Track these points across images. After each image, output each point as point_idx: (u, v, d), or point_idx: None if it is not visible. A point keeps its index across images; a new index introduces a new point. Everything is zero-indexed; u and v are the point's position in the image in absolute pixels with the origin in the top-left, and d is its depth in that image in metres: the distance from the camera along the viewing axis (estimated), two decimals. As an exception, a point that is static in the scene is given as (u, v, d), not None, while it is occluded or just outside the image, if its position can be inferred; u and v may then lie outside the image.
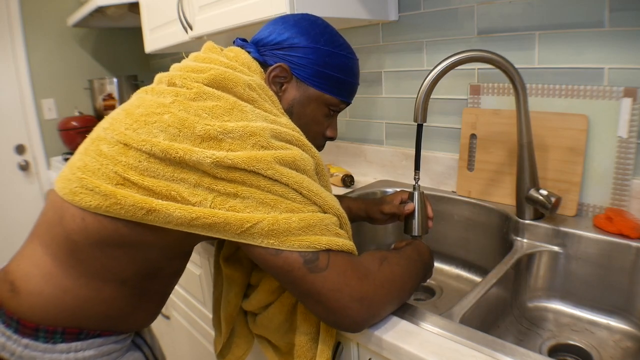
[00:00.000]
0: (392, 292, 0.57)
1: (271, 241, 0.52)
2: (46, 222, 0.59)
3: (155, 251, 0.59)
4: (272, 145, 0.54)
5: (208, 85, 0.58)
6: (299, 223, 0.52)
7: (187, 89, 0.58)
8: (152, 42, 1.64)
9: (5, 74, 2.09)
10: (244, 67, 0.64)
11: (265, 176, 0.52)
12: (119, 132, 0.56)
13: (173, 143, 0.52)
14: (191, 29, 1.29)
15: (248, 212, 0.52)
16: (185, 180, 0.52)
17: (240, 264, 0.75)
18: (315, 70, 0.66)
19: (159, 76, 0.65)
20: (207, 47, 0.68)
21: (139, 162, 0.53)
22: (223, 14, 1.13)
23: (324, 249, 0.54)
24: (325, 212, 0.57)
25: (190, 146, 0.52)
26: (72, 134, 2.11)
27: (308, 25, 0.67)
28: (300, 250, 0.52)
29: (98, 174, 0.54)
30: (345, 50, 0.69)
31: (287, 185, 0.53)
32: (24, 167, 2.20)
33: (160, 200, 0.52)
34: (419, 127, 0.75)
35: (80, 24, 2.10)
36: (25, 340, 0.54)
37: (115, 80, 2.21)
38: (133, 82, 2.29)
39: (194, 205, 0.52)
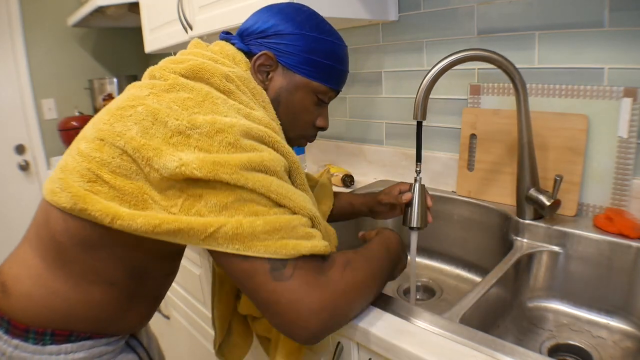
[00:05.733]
0: (355, 299, 0.55)
1: (236, 246, 0.50)
2: (35, 223, 0.59)
3: (141, 252, 0.58)
4: (240, 143, 0.52)
5: (184, 76, 0.58)
6: (264, 226, 0.51)
7: (164, 80, 0.58)
8: (152, 42, 1.64)
9: (5, 74, 2.08)
10: (227, 59, 0.63)
11: (229, 183, 0.50)
12: (97, 128, 0.56)
13: (146, 140, 0.52)
14: (191, 29, 1.29)
15: (212, 217, 0.50)
16: (156, 180, 0.51)
17: None
18: (302, 57, 0.65)
19: (147, 70, 0.65)
20: (193, 43, 0.68)
21: (113, 158, 0.53)
22: (223, 14, 1.13)
23: (292, 256, 0.52)
24: (295, 214, 0.55)
25: (161, 143, 0.51)
26: (72, 134, 2.09)
27: (293, 12, 0.66)
28: (267, 256, 0.51)
29: (74, 172, 0.54)
30: (332, 36, 0.68)
31: (253, 190, 0.51)
32: (24, 167, 2.19)
33: (126, 209, 0.51)
34: (419, 124, 0.74)
35: (80, 23, 2.10)
36: (15, 341, 0.54)
37: (115, 80, 2.21)
38: (133, 82, 2.28)
39: (164, 209, 0.51)
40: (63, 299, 0.56)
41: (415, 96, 0.74)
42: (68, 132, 2.11)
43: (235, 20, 1.09)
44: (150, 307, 0.67)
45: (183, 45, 1.51)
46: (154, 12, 1.56)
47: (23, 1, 2.06)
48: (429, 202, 0.77)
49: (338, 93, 0.72)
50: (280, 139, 0.58)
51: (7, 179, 2.16)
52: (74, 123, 2.11)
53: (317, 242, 0.55)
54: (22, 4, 2.06)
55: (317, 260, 0.55)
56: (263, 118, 0.58)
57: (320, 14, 0.72)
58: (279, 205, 0.54)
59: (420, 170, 0.76)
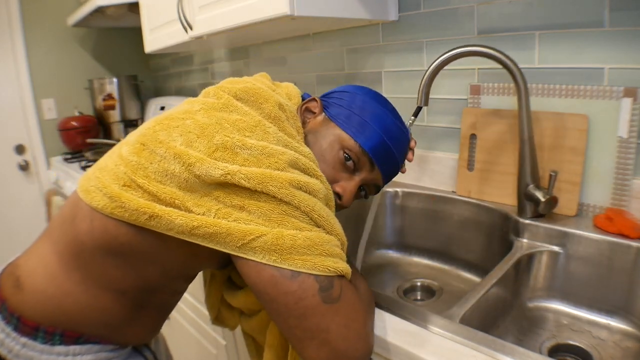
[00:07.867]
0: (373, 310, 0.58)
1: (273, 257, 0.49)
2: (61, 218, 0.60)
3: (157, 267, 0.57)
4: (288, 170, 0.53)
5: (237, 98, 0.58)
6: (304, 241, 0.50)
7: (217, 99, 0.59)
8: (152, 42, 1.64)
9: (5, 74, 2.08)
10: (284, 95, 0.66)
11: (277, 197, 0.50)
12: (141, 133, 0.57)
13: (187, 149, 0.52)
14: (191, 28, 1.29)
15: (253, 225, 0.49)
16: (192, 189, 0.51)
17: None
18: (343, 110, 0.66)
19: (204, 89, 0.66)
20: (259, 74, 0.70)
21: (150, 163, 0.53)
22: (223, 14, 1.13)
23: (331, 274, 0.50)
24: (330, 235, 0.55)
25: (204, 155, 0.51)
26: (72, 134, 2.11)
27: (362, 88, 0.70)
28: (304, 271, 0.49)
29: (111, 174, 0.55)
30: (386, 108, 0.68)
31: (297, 207, 0.51)
32: (24, 167, 2.19)
33: (163, 207, 0.51)
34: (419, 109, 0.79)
35: (80, 23, 2.10)
36: (23, 339, 0.54)
37: (115, 80, 2.20)
38: (133, 82, 2.28)
39: (197, 214, 0.51)
40: (73, 301, 0.56)
41: (415, 96, 0.74)
42: (68, 132, 2.11)
43: (235, 20, 1.09)
44: (157, 320, 0.67)
45: (183, 45, 1.51)
46: (154, 12, 1.56)
47: (23, 1, 2.06)
48: (410, 157, 0.76)
49: (371, 162, 0.64)
50: (321, 174, 0.58)
51: (7, 179, 2.16)
52: (74, 123, 2.11)
53: (347, 266, 0.54)
54: (22, 4, 2.06)
55: (350, 282, 0.55)
56: (308, 153, 0.59)
57: (320, 15, 0.72)
58: (318, 226, 0.54)
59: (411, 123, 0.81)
